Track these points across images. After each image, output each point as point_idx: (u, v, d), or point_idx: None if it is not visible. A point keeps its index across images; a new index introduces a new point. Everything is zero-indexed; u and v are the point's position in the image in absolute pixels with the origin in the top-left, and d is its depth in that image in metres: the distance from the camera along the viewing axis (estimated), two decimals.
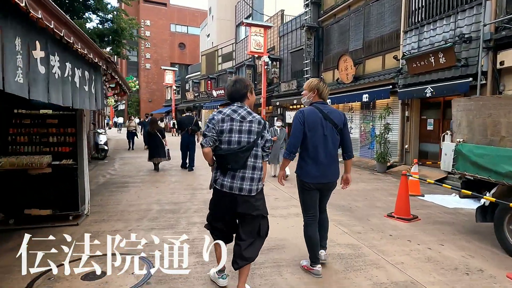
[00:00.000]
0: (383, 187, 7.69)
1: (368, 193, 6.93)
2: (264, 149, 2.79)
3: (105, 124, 36.12)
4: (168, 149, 9.95)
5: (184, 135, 9.80)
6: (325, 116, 3.13)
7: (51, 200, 4.41)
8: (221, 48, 29.75)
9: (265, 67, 19.29)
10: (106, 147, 11.88)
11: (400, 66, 10.44)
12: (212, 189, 2.77)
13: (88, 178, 4.89)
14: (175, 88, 36.14)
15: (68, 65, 3.23)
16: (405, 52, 10.04)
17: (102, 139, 11.81)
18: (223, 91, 27.70)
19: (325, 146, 3.11)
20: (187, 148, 9.91)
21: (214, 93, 29.06)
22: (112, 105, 58.25)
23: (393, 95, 10.82)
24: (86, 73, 3.88)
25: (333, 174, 3.20)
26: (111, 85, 6.27)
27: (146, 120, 14.36)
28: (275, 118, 8.15)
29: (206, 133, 2.65)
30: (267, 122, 3.07)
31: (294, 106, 18.14)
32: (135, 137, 15.60)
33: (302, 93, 3.47)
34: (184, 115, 10.41)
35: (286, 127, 18.57)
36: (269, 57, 19.17)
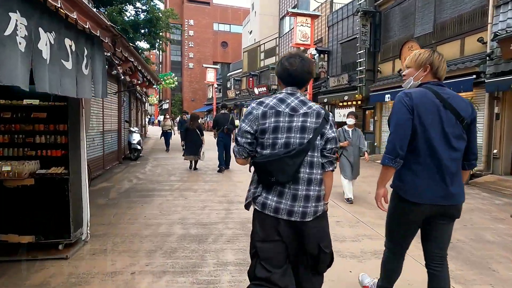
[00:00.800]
0: (477, 206, 5.78)
1: (462, 216, 5.10)
2: (325, 153, 1.91)
3: (147, 122, 36.42)
4: (203, 151, 9.43)
5: (220, 135, 9.12)
6: (445, 103, 2.04)
7: (34, 223, 3.24)
8: (264, 43, 28.41)
9: (313, 60, 17.58)
10: (139, 147, 10.97)
11: (489, 51, 8.31)
12: (250, 209, 1.99)
13: (87, 193, 3.66)
14: (216, 86, 35.44)
15: (47, 34, 2.04)
16: (497, 32, 7.91)
17: (135, 138, 10.92)
18: (265, 88, 26.35)
19: (447, 148, 2.00)
20: (224, 149, 9.22)
21: (256, 90, 27.78)
22: (156, 103, 59.52)
23: (477, 87, 8.71)
24: (72, 45, 2.62)
25: (458, 193, 2.07)
26: (128, 71, 5.04)
27: (184, 119, 13.33)
28: (347, 114, 6.27)
29: (239, 138, 1.91)
30: (330, 114, 2.03)
31: (345, 103, 16.25)
32: (170, 137, 14.24)
33: (403, 74, 2.36)
34: (219, 113, 9.78)
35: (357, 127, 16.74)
36: (316, 49, 17.44)
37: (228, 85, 36.27)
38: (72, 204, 3.32)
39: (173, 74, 21.66)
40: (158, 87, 22.61)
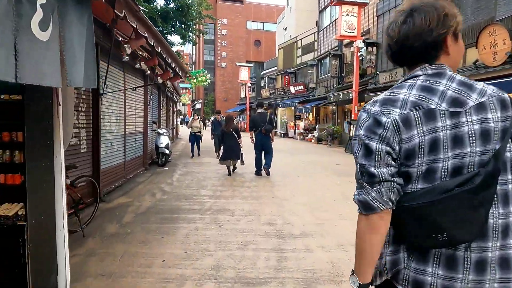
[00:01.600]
0: None
1: None
2: None
3: (180, 123, 35.85)
4: (242, 153, 8.76)
5: (258, 136, 8.45)
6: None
7: None
8: (301, 39, 26.68)
9: (359, 54, 15.70)
10: (167, 151, 9.76)
11: None
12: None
13: (66, 238, 2.27)
14: (249, 85, 34.15)
15: None
16: None
17: (163, 141, 9.72)
18: (302, 86, 24.61)
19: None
20: (262, 151, 8.54)
21: (292, 89, 26.12)
22: (188, 103, 59.45)
23: None
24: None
25: None
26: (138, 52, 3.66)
27: (219, 120, 11.86)
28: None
29: (371, 169, 1.00)
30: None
31: None
32: (200, 141, 12.02)
33: None
34: (256, 112, 9.03)
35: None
36: (364, 41, 15.54)
37: (262, 84, 34.87)
38: (33, 266, 1.94)
39: (206, 71, 20.65)
40: (191, 85, 21.55)
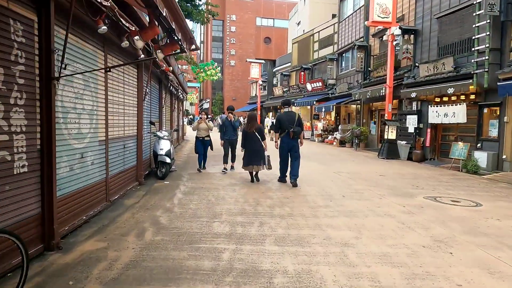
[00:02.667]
0: None
1: None
2: None
3: (188, 123, 33.87)
4: (268, 155, 7.65)
5: (284, 139, 7.34)
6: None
7: None
8: (318, 32, 24.44)
9: (394, 42, 13.43)
10: (168, 160, 7.66)
11: None
12: None
13: None
14: (261, 83, 32.00)
15: None
16: None
17: (163, 146, 7.63)
18: (320, 83, 22.38)
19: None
20: (289, 156, 7.44)
21: (309, 86, 23.90)
22: (196, 103, 57.61)
23: None
24: None
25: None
26: None
27: (231, 119, 9.40)
28: None
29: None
30: None
31: (445, 98, 11.96)
32: (210, 148, 9.12)
33: None
34: (282, 112, 7.76)
35: (429, 131, 12.49)
36: (400, 27, 13.26)
37: (274, 82, 32.70)
38: None
39: (216, 64, 18.54)
40: (199, 82, 19.45)
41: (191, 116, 51.25)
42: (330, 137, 20.18)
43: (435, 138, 12.46)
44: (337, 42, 21.63)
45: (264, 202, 5.75)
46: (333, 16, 23.61)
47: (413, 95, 12.52)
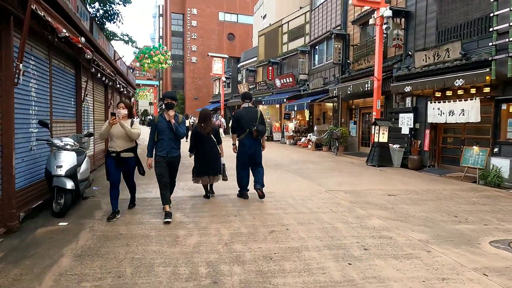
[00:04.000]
0: None
1: None
2: None
3: (147, 124, 30.24)
4: (224, 164, 6.02)
5: (244, 141, 5.77)
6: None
7: None
8: (287, 22, 22.05)
9: (384, 26, 11.23)
10: (70, 184, 4.64)
11: None
12: None
13: None
14: (224, 79, 29.14)
15: None
16: None
17: (63, 162, 4.64)
18: (291, 79, 20.00)
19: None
20: (251, 162, 5.86)
21: (278, 82, 21.43)
22: (155, 102, 53.46)
23: None
24: None
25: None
26: None
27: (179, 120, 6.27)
28: None
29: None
30: None
31: (448, 92, 9.88)
32: (138, 171, 5.10)
33: None
34: (241, 107, 6.09)
35: (427, 132, 10.34)
36: (391, 8, 11.07)
37: (239, 78, 29.97)
38: None
39: (165, 48, 15.36)
40: (143, 69, 16.14)
41: (150, 117, 46.96)
42: (303, 139, 17.80)
43: (434, 141, 10.36)
44: (310, 33, 19.33)
45: (229, 273, 2.98)
46: (301, 8, 21.33)
47: (407, 89, 10.31)
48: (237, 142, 6.03)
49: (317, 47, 18.54)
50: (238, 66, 30.04)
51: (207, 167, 5.74)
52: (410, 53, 11.17)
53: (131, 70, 11.40)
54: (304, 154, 14.03)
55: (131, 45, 11.55)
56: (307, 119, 18.14)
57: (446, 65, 9.34)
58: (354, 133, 15.18)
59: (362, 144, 14.92)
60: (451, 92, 9.76)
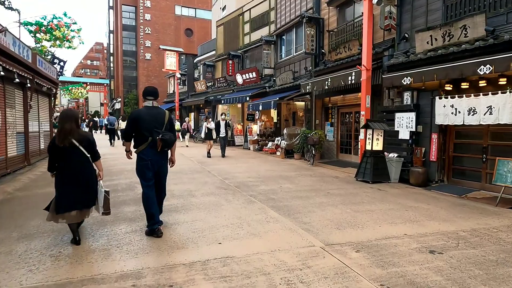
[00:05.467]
0: None
1: None
2: None
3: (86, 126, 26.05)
4: (107, 191, 3.97)
5: (147, 152, 4.09)
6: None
7: None
8: (249, 9, 19.24)
9: (374, 1, 8.74)
10: None
11: None
12: None
13: None
14: (179, 76, 25.74)
15: None
16: None
17: None
18: (254, 73, 17.21)
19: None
20: (156, 181, 4.27)
21: (239, 78, 18.54)
22: (105, 103, 48.34)
23: None
24: None
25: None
26: None
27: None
28: None
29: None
30: None
31: (465, 84, 7.53)
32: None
33: None
34: (143, 106, 4.25)
35: (435, 137, 7.89)
36: None
37: (196, 75, 26.68)
38: None
39: (84, 85, 12.09)
40: (39, 50, 12.20)
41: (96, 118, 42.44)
42: (270, 144, 15.03)
43: (443, 148, 7.98)
44: (275, 21, 16.65)
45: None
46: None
47: (407, 81, 7.84)
48: (135, 150, 4.19)
49: (284, 36, 15.88)
50: (195, 61, 26.76)
51: (73, 197, 3.72)
52: (407, 35, 8.76)
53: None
54: (274, 164, 11.21)
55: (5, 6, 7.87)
56: (275, 120, 15.40)
57: (463, 48, 6.95)
58: (331, 137, 12.64)
59: (341, 150, 12.43)
60: (467, 83, 7.41)
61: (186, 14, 50.81)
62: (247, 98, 16.56)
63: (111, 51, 57.26)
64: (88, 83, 54.62)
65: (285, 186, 7.36)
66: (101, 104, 64.57)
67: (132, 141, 4.24)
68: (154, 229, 4.05)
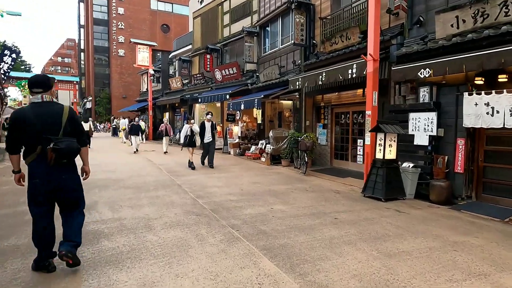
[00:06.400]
0: None
1: None
2: None
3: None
4: None
5: (35, 168, 2.96)
6: None
7: None
8: None
9: None
10: None
11: None
12: None
13: None
14: (152, 72, 23.58)
15: None
16: None
17: None
18: (235, 69, 15.44)
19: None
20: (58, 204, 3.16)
21: (218, 74, 16.69)
22: (75, 101, 45.20)
23: None
24: None
25: None
26: None
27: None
28: None
29: None
30: None
31: (504, 77, 6.01)
32: None
33: None
34: (29, 102, 3.14)
35: (461, 143, 6.33)
36: None
37: (171, 71, 24.56)
38: None
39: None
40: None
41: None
42: (253, 148, 13.26)
43: (471, 157, 6.45)
44: (258, 10, 14.91)
45: None
46: None
47: (425, 73, 6.29)
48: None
49: (268, 28, 14.17)
50: (170, 56, 24.63)
51: None
52: (421, 18, 7.21)
53: None
54: (259, 173, 9.44)
55: None
56: (259, 121, 13.65)
57: (504, 30, 5.44)
58: (323, 141, 11.01)
59: (336, 156, 10.81)
60: (505, 76, 5.91)
61: (163, 9, 48.39)
62: (227, 96, 14.72)
63: (82, 47, 53.90)
64: (56, 80, 51.19)
65: (278, 208, 5.61)
66: (72, 104, 61.03)
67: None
68: (41, 264, 3.08)
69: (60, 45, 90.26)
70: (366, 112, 7.40)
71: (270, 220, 4.94)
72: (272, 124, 14.68)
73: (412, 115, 7.04)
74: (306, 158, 9.26)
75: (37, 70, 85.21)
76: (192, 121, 10.90)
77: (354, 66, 7.98)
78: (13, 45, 17.12)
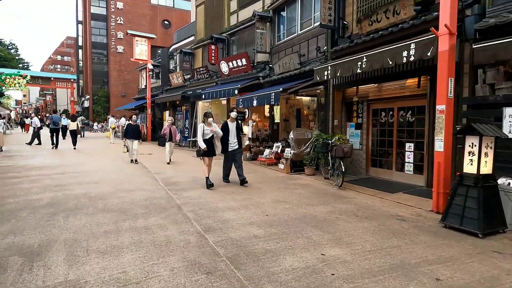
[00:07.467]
0: None
1: None
2: None
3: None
4: None
5: None
6: None
7: None
8: None
9: None
10: None
11: None
12: None
13: None
14: (151, 67, 21.60)
15: None
16: None
17: None
18: (244, 60, 13.41)
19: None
20: None
21: (224, 66, 14.66)
22: (72, 100, 43.37)
23: None
24: None
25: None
26: None
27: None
28: None
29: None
30: None
31: None
32: None
33: None
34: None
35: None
36: None
37: (172, 66, 22.53)
38: None
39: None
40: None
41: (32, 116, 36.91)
42: (267, 152, 11.21)
43: None
44: None
45: None
46: None
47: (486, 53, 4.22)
48: None
49: (284, 12, 12.13)
50: (171, 49, 22.61)
51: None
52: None
53: None
54: (282, 188, 7.37)
55: None
56: (277, 120, 11.58)
57: None
58: (356, 144, 8.96)
59: (373, 163, 8.76)
60: None
61: (164, 4, 46.40)
62: (236, 92, 12.68)
63: (80, 44, 51.94)
64: (52, 78, 49.26)
65: (332, 255, 3.57)
66: (69, 102, 59.05)
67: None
68: None
69: (59, 43, 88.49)
70: (438, 107, 5.34)
71: (330, 284, 2.91)
72: (287, 124, 12.65)
73: (509, 111, 4.98)
74: (342, 167, 7.20)
75: (36, 68, 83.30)
76: (210, 119, 7.28)
77: (412, 46, 5.92)
78: None
